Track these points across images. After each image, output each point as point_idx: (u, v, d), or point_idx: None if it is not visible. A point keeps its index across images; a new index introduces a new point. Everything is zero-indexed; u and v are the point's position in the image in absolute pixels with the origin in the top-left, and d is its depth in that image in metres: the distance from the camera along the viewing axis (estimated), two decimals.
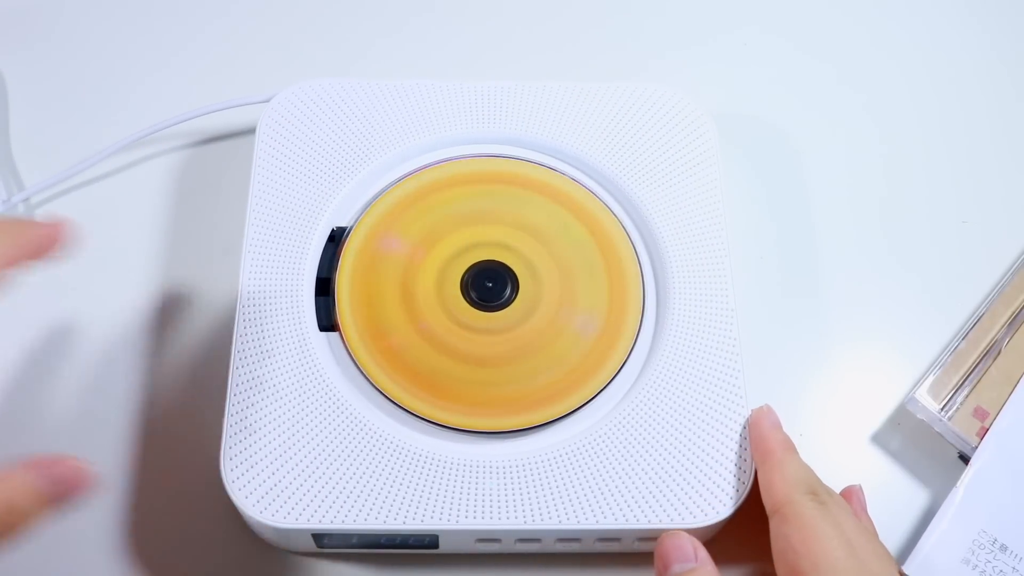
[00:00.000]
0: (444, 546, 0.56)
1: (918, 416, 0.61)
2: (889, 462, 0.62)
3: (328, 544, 0.56)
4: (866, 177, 0.71)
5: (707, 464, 0.55)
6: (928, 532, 0.57)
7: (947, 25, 0.79)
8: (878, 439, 0.63)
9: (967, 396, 0.61)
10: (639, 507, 0.54)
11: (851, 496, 0.55)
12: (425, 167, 0.64)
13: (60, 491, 0.43)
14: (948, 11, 0.79)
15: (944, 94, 0.75)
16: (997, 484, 0.58)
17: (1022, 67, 0.77)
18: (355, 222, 0.62)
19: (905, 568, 0.56)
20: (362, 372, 0.58)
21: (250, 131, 0.66)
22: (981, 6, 0.79)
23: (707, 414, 0.56)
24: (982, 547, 0.56)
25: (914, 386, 0.62)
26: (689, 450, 0.55)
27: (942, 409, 0.61)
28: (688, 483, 0.55)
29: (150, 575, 0.57)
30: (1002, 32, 0.78)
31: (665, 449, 0.55)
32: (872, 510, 0.59)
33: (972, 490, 0.58)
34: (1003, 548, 0.56)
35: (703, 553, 0.51)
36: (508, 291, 0.61)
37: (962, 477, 0.58)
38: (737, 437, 0.56)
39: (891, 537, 0.59)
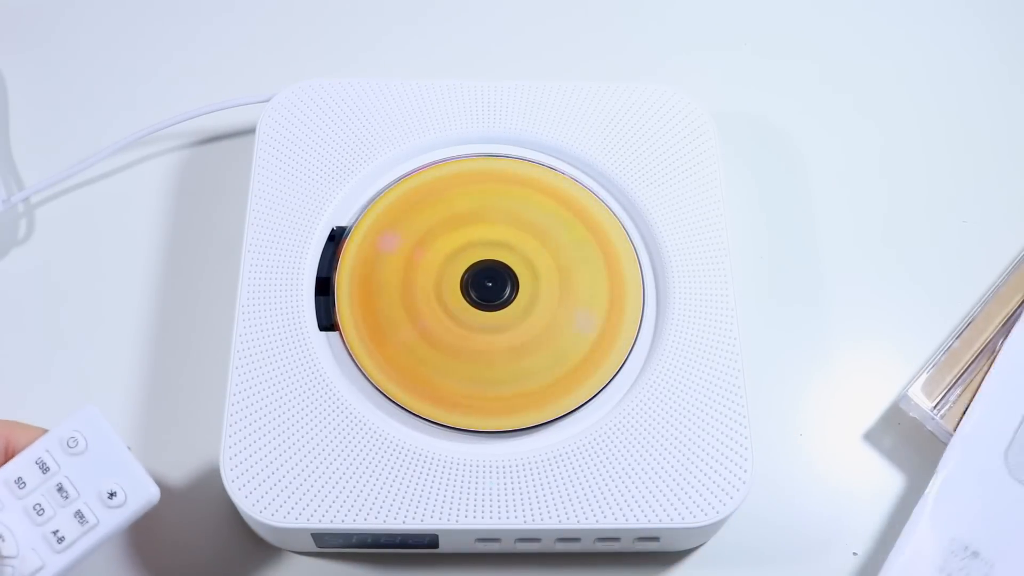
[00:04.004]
0: (444, 546, 0.56)
1: (911, 414, 0.61)
2: (882, 460, 0.62)
3: (328, 544, 0.56)
4: (866, 177, 0.72)
5: (707, 464, 0.55)
6: (899, 544, 0.56)
7: (947, 26, 0.78)
8: (871, 437, 0.63)
9: (960, 395, 0.61)
10: (639, 507, 0.54)
11: None
12: (425, 167, 0.64)
13: None
14: (948, 12, 0.79)
15: (944, 94, 0.75)
16: (965, 490, 0.58)
17: (1021, 69, 0.77)
18: (355, 222, 0.62)
19: None
20: (362, 372, 0.58)
21: (250, 131, 0.66)
22: (981, 7, 0.79)
23: (707, 414, 0.56)
24: (954, 554, 0.56)
25: (907, 384, 0.62)
26: (689, 450, 0.55)
27: (935, 407, 0.61)
28: (688, 483, 0.55)
29: (150, 575, 0.57)
30: (1002, 33, 0.78)
31: (665, 449, 0.55)
32: (865, 508, 0.59)
33: (942, 498, 0.57)
34: (975, 555, 0.56)
35: None
36: (508, 291, 0.61)
37: (930, 485, 0.58)
38: (737, 437, 0.56)
39: (885, 535, 0.59)
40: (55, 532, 0.48)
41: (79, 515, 0.48)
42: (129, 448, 0.50)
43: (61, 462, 0.49)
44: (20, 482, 0.48)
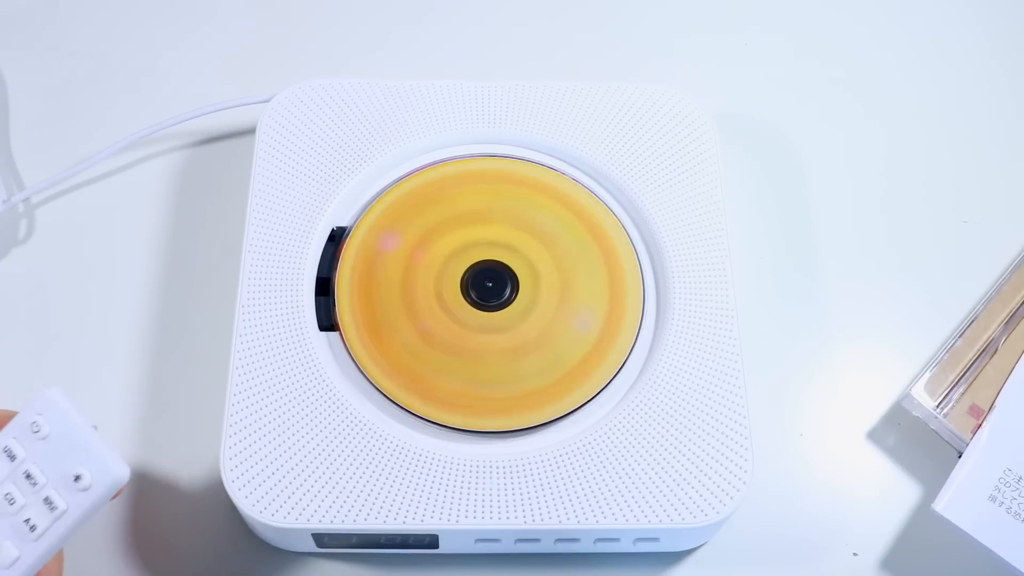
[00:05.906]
0: (444, 546, 0.56)
1: (914, 413, 0.61)
2: (884, 459, 0.62)
3: (328, 544, 0.56)
4: (866, 177, 0.71)
5: (707, 464, 0.55)
6: (955, 472, 0.57)
7: (947, 26, 0.78)
8: (874, 436, 0.63)
9: (963, 394, 0.61)
10: (639, 507, 0.54)
11: None
12: (425, 167, 0.64)
13: None
14: (949, 13, 0.79)
15: (944, 94, 0.75)
16: (1021, 422, 0.58)
17: (1021, 69, 0.77)
18: (355, 222, 0.62)
19: (934, 506, 0.57)
20: (362, 372, 0.58)
21: (250, 131, 0.66)
22: (982, 8, 0.79)
23: (707, 414, 0.56)
24: (1007, 484, 0.57)
25: (910, 383, 0.62)
26: (689, 450, 0.55)
27: (938, 406, 0.61)
28: (688, 483, 0.55)
29: (150, 575, 0.57)
30: (1002, 34, 0.78)
31: (665, 449, 0.55)
32: (866, 508, 0.59)
33: (997, 429, 0.58)
34: None
35: None
36: (508, 291, 0.61)
37: (986, 417, 0.59)
38: (737, 437, 0.56)
39: (886, 535, 0.59)
40: (27, 521, 0.46)
41: (48, 501, 0.46)
42: (95, 427, 0.48)
43: (28, 448, 0.47)
44: None
